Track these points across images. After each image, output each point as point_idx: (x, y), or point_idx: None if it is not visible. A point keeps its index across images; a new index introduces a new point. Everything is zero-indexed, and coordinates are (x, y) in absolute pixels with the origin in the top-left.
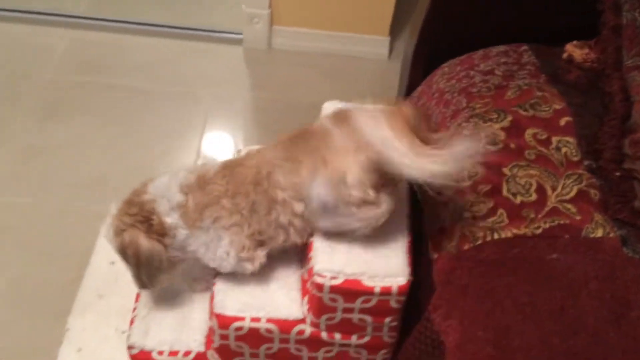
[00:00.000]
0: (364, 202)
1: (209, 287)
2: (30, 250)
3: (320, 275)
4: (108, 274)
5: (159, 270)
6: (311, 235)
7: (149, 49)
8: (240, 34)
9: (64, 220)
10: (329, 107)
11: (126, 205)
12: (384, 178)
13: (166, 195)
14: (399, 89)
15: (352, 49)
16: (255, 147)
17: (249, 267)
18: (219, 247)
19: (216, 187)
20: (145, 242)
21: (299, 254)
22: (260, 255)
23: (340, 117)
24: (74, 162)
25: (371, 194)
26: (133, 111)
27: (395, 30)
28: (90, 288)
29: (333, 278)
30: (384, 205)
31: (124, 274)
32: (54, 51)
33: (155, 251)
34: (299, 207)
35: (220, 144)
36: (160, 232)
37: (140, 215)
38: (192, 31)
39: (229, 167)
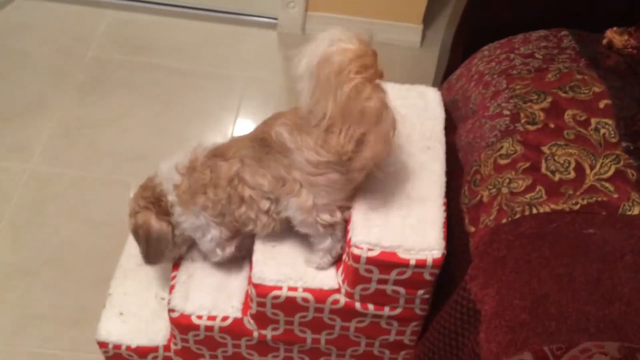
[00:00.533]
0: (331, 225)
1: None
2: (76, 219)
3: (357, 247)
4: None
5: (166, 248)
6: (278, 231)
7: (186, 30)
8: (276, 18)
9: (108, 191)
10: None
11: (141, 189)
12: (347, 196)
13: (169, 176)
14: (436, 72)
15: (385, 36)
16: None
17: (219, 253)
18: (209, 233)
19: (202, 177)
20: (155, 224)
21: None
22: (232, 245)
23: (294, 127)
24: (115, 136)
25: (338, 215)
26: (171, 90)
27: (428, 19)
28: (132, 256)
29: (370, 250)
30: (337, 232)
31: None
32: (96, 30)
33: (163, 232)
34: (264, 205)
35: (254, 124)
36: (167, 212)
37: (152, 197)
38: (228, 14)
39: (213, 156)
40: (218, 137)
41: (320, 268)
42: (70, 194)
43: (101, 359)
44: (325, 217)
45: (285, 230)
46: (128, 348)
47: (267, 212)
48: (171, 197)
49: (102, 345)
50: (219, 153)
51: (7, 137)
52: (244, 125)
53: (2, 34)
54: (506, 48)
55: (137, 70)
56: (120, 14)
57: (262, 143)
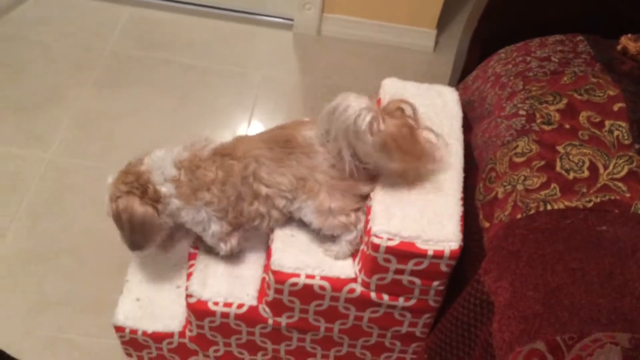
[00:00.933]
0: (346, 225)
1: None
2: (94, 208)
3: (377, 236)
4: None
5: (151, 232)
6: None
7: (203, 28)
8: (292, 19)
9: None
10: (389, 83)
11: (123, 174)
12: (359, 200)
13: (161, 167)
14: (451, 75)
15: (399, 39)
16: (243, 135)
17: (223, 247)
18: (210, 228)
19: (208, 173)
20: (139, 207)
21: None
22: (234, 238)
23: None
24: (131, 129)
25: (352, 216)
26: (186, 86)
27: (441, 24)
28: None
29: (390, 239)
30: (360, 225)
31: (179, 230)
32: (115, 26)
33: (148, 214)
34: (280, 202)
35: (268, 122)
36: (154, 199)
37: (136, 183)
38: (244, 14)
39: (219, 155)
40: (235, 131)
41: (338, 258)
42: (86, 183)
43: (116, 345)
44: (342, 219)
45: (302, 222)
46: (144, 333)
47: (281, 209)
48: (165, 189)
49: (119, 330)
50: (225, 152)
51: (26, 127)
52: (259, 123)
53: (24, 27)
54: (523, 51)
55: (154, 66)
56: (139, 11)
57: (284, 145)
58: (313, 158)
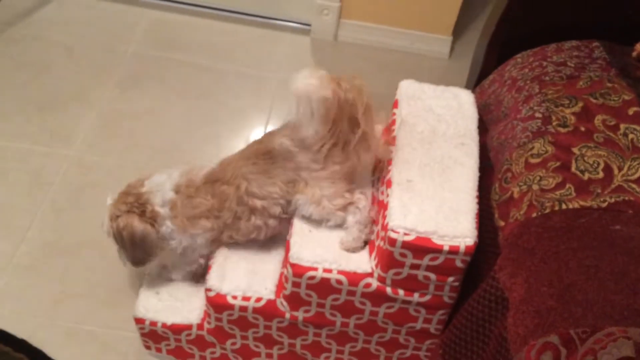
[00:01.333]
0: (345, 206)
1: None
2: None
3: (394, 231)
4: None
5: (152, 248)
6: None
7: (222, 32)
8: (309, 24)
9: None
10: (406, 85)
11: (123, 195)
12: (351, 178)
13: (161, 190)
14: (467, 80)
15: (415, 46)
16: (227, 157)
17: (202, 262)
18: (196, 252)
19: (203, 202)
20: (139, 224)
21: None
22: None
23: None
24: (151, 128)
25: (348, 196)
26: (205, 87)
27: (457, 31)
28: None
29: (406, 234)
30: (362, 203)
31: None
32: (136, 28)
33: (147, 231)
34: (276, 210)
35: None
36: (152, 218)
37: (136, 203)
38: (262, 19)
39: (211, 182)
40: (252, 133)
41: (352, 245)
42: (108, 180)
43: (135, 337)
44: (338, 201)
45: None
46: (164, 325)
47: (277, 216)
48: (162, 211)
49: (139, 321)
50: (215, 178)
51: (51, 125)
52: (276, 124)
53: (47, 28)
54: (539, 56)
55: (173, 68)
56: (159, 14)
57: (266, 157)
58: (293, 160)
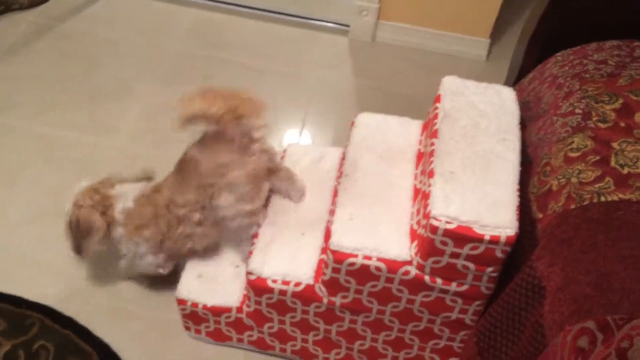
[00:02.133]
0: (251, 211)
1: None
2: None
3: (436, 219)
4: None
5: (99, 244)
6: (214, 240)
7: (263, 31)
8: (348, 25)
9: None
10: (449, 81)
11: (92, 190)
12: (258, 184)
13: (124, 197)
14: (507, 76)
15: (452, 48)
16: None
17: (162, 271)
18: (146, 259)
19: (145, 212)
20: (99, 219)
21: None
22: (171, 264)
23: (203, 144)
24: None
25: (257, 203)
26: (244, 84)
27: (495, 34)
28: None
29: (448, 223)
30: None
31: None
32: (180, 26)
33: (102, 229)
34: (195, 217)
35: (321, 121)
36: (109, 222)
37: (100, 202)
38: (301, 19)
39: (152, 193)
40: (290, 130)
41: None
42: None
43: (175, 319)
44: (247, 207)
45: (361, 206)
46: (204, 307)
47: (199, 223)
48: (118, 217)
49: (181, 302)
50: (156, 189)
51: (98, 116)
52: (313, 122)
53: (96, 25)
54: (580, 54)
55: (215, 65)
56: (203, 13)
57: (180, 168)
58: (200, 167)
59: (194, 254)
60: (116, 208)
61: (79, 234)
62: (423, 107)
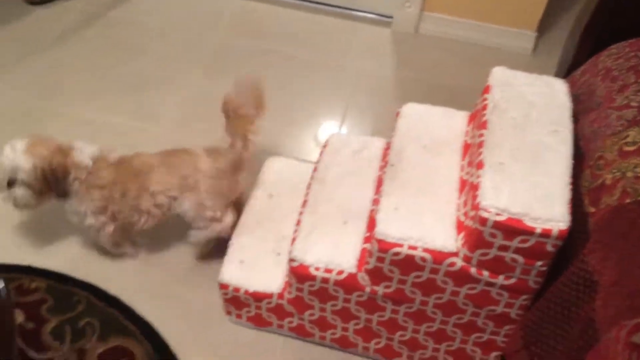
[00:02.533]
0: (214, 218)
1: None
2: None
3: (486, 210)
4: (266, 205)
5: (57, 188)
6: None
7: (306, 22)
8: (391, 17)
9: None
10: (499, 72)
11: (40, 143)
12: (229, 200)
13: (78, 151)
14: (557, 68)
15: (497, 40)
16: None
17: (104, 240)
18: (86, 220)
19: (105, 176)
20: (70, 159)
21: (453, 194)
22: (110, 228)
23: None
24: None
25: (219, 213)
26: (286, 74)
27: (542, 27)
28: (252, 214)
29: (498, 214)
30: (227, 220)
31: (280, 206)
32: (222, 17)
33: (66, 171)
34: (161, 200)
35: (363, 112)
36: (63, 172)
37: (59, 151)
38: (345, 9)
39: (119, 163)
40: (330, 120)
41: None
42: None
43: (216, 303)
44: (209, 213)
45: (406, 196)
46: (246, 292)
47: (163, 206)
48: (77, 173)
49: (224, 287)
50: (124, 161)
51: (145, 103)
52: (354, 112)
53: (141, 14)
54: (635, 47)
55: (257, 54)
56: (245, 3)
57: (173, 154)
58: (194, 161)
59: (138, 232)
60: (75, 156)
61: (55, 179)
62: (466, 99)
